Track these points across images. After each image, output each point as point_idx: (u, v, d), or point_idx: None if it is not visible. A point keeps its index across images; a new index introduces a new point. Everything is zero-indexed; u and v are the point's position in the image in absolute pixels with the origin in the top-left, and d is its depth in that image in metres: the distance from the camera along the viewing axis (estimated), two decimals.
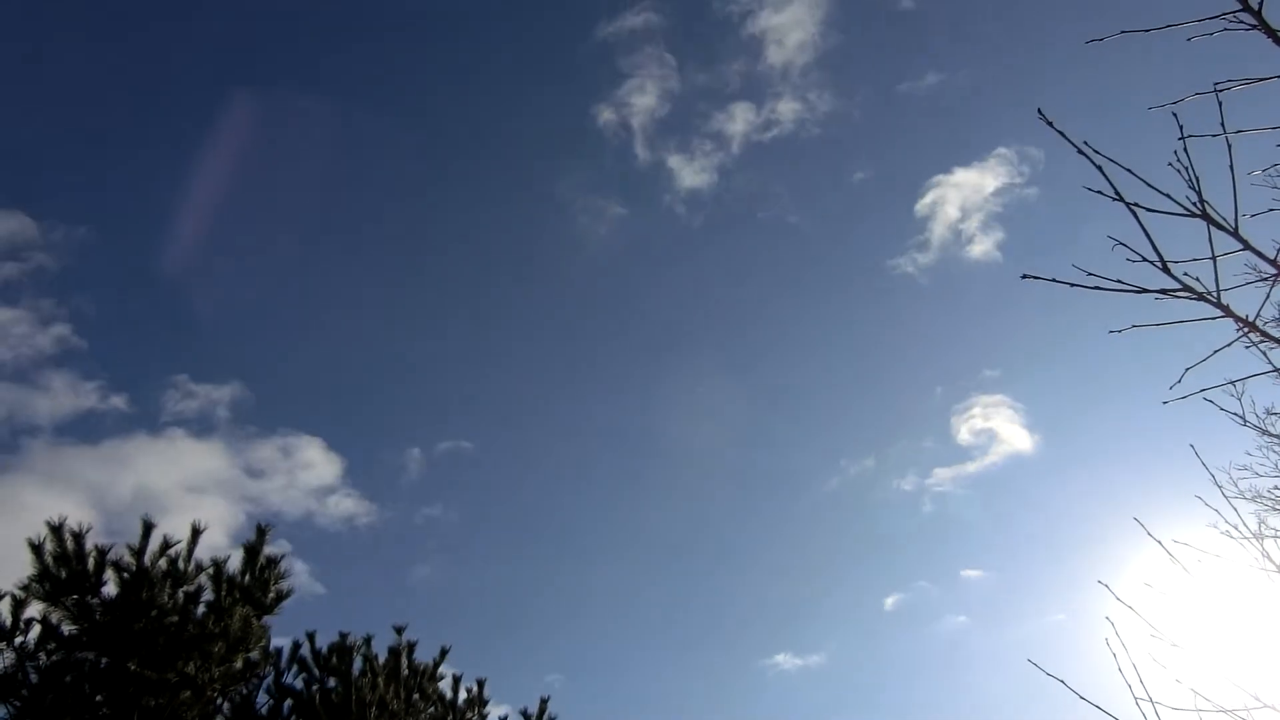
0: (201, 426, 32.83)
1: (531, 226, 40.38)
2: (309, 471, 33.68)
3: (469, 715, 12.48)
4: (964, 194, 34.62)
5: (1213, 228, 3.04)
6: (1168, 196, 3.00)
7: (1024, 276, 3.24)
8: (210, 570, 11.45)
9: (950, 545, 37.39)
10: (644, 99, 35.72)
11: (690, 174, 36.75)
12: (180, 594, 11.19)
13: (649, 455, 40.32)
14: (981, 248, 35.22)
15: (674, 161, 36.78)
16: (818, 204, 38.95)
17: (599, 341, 41.34)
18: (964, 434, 35.46)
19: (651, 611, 36.80)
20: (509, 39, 38.04)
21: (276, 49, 35.92)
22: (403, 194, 39.17)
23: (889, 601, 35.15)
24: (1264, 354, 3.46)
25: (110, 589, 10.93)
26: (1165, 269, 3.06)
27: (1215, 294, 3.07)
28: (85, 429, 31.81)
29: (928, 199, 35.82)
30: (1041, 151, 32.52)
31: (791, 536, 38.75)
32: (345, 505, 32.61)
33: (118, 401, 32.14)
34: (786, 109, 35.42)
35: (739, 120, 35.98)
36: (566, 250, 39.70)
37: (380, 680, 11.67)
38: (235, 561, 11.85)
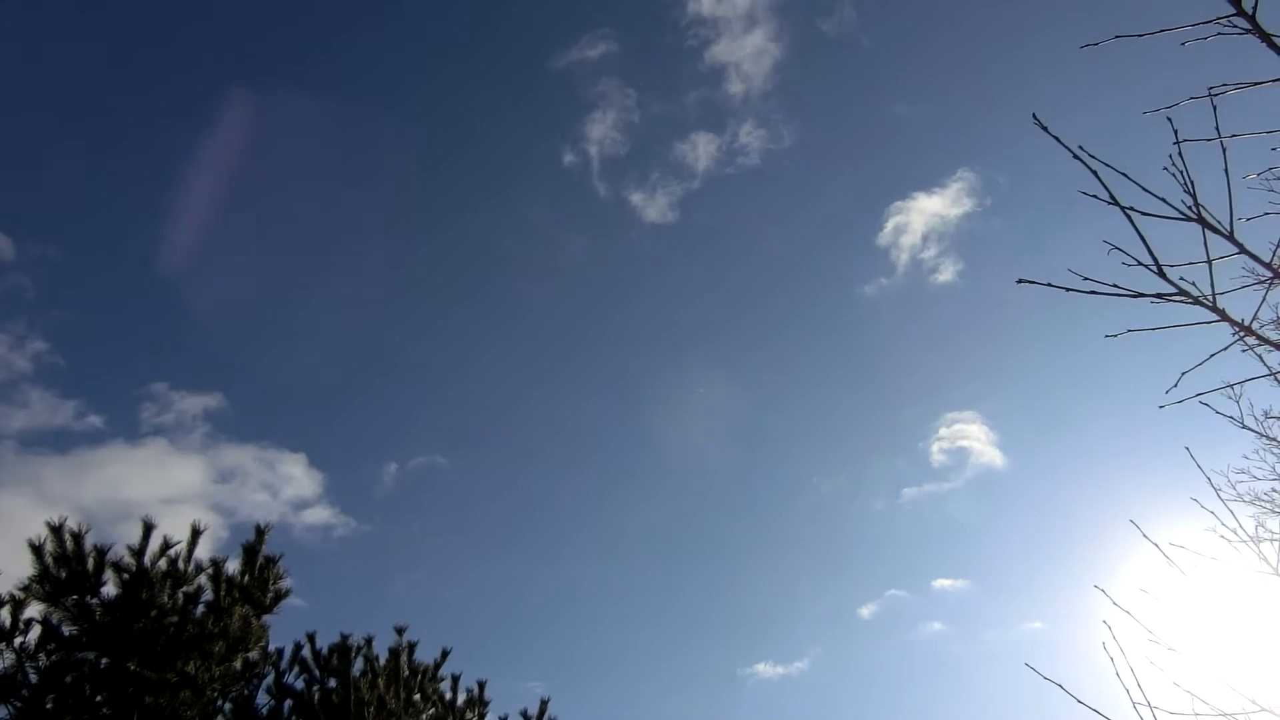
0: (180, 437, 32.54)
1: (503, 250, 40.35)
2: (287, 484, 33.48)
3: (469, 716, 12.48)
4: (928, 219, 34.88)
5: (1208, 231, 3.03)
6: (1163, 201, 2.99)
7: (1020, 281, 3.24)
8: (210, 570, 11.46)
9: (922, 557, 37.72)
10: (604, 131, 35.88)
11: (651, 205, 36.99)
12: (180, 594, 11.19)
13: (626, 470, 40.47)
14: (947, 273, 35.62)
15: (636, 195, 37.16)
16: (783, 233, 39.36)
17: (567, 365, 41.35)
18: (936, 451, 35.90)
19: (631, 621, 36.77)
20: (463, 73, 37.90)
21: (249, 61, 35.63)
22: (383, 208, 39.11)
23: (864, 611, 35.20)
24: (1260, 358, 3.45)
25: (110, 589, 10.93)
26: (1161, 273, 3.05)
27: (1211, 298, 3.06)
28: (62, 440, 31.51)
29: (892, 224, 36.06)
30: (1005, 177, 32.80)
31: (765, 550, 38.83)
32: (323, 518, 32.43)
33: (94, 412, 31.90)
34: (749, 138, 35.67)
35: (701, 150, 36.18)
36: (538, 272, 39.77)
37: (380, 681, 11.67)
38: (233, 562, 11.86)
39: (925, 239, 34.78)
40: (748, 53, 34.75)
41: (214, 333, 37.12)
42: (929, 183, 39.01)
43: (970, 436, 34.90)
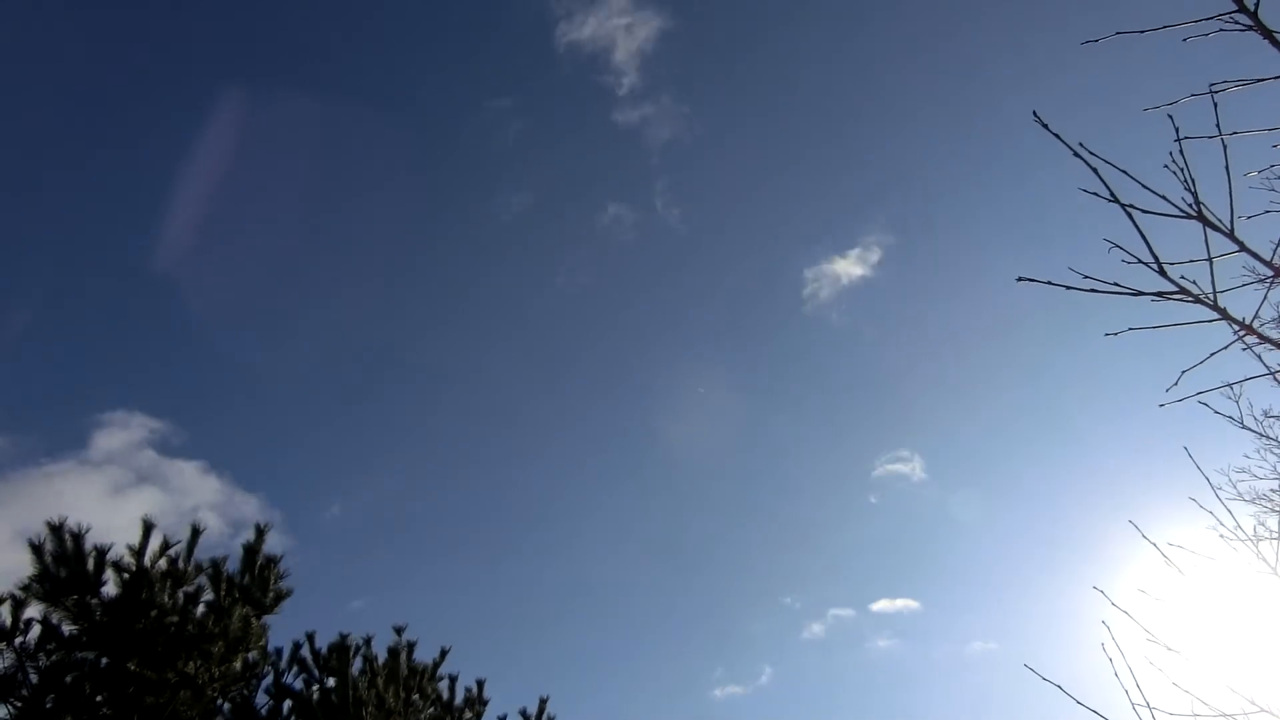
0: (131, 464, 31.94)
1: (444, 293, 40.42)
2: (240, 510, 32.86)
3: (467, 715, 12.46)
4: (842, 279, 35.67)
5: (1209, 229, 3.02)
6: (1164, 198, 2.98)
7: (1020, 279, 3.23)
8: (209, 570, 11.46)
9: (869, 577, 37.90)
10: (519, 198, 36.02)
11: (564, 278, 37.25)
12: (180, 594, 11.18)
13: (583, 495, 40.41)
14: (872, 326, 36.73)
15: (552, 258, 36.99)
16: (705, 298, 39.82)
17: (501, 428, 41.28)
18: (875, 490, 37.04)
19: (587, 646, 36.51)
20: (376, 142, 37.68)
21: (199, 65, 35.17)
22: (357, 216, 38.86)
23: (808, 631, 35.26)
24: (1259, 357, 3.43)
25: (110, 589, 10.93)
26: (1162, 271, 3.04)
27: (1212, 296, 3.05)
28: (9, 462, 30.68)
29: (809, 290, 36.57)
30: (898, 238, 33.13)
31: (706, 575, 38.80)
32: (278, 544, 31.81)
33: (43, 438, 31.26)
34: (665, 208, 36.35)
35: (616, 219, 36.57)
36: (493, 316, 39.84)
37: (379, 681, 11.65)
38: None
39: (841, 297, 35.59)
40: (662, 112, 34.97)
41: (171, 357, 36.64)
42: (842, 245, 39.42)
43: (906, 473, 35.91)
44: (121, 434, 31.72)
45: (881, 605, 34.57)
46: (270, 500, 34.37)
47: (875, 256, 35.76)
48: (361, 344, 38.95)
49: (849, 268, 35.38)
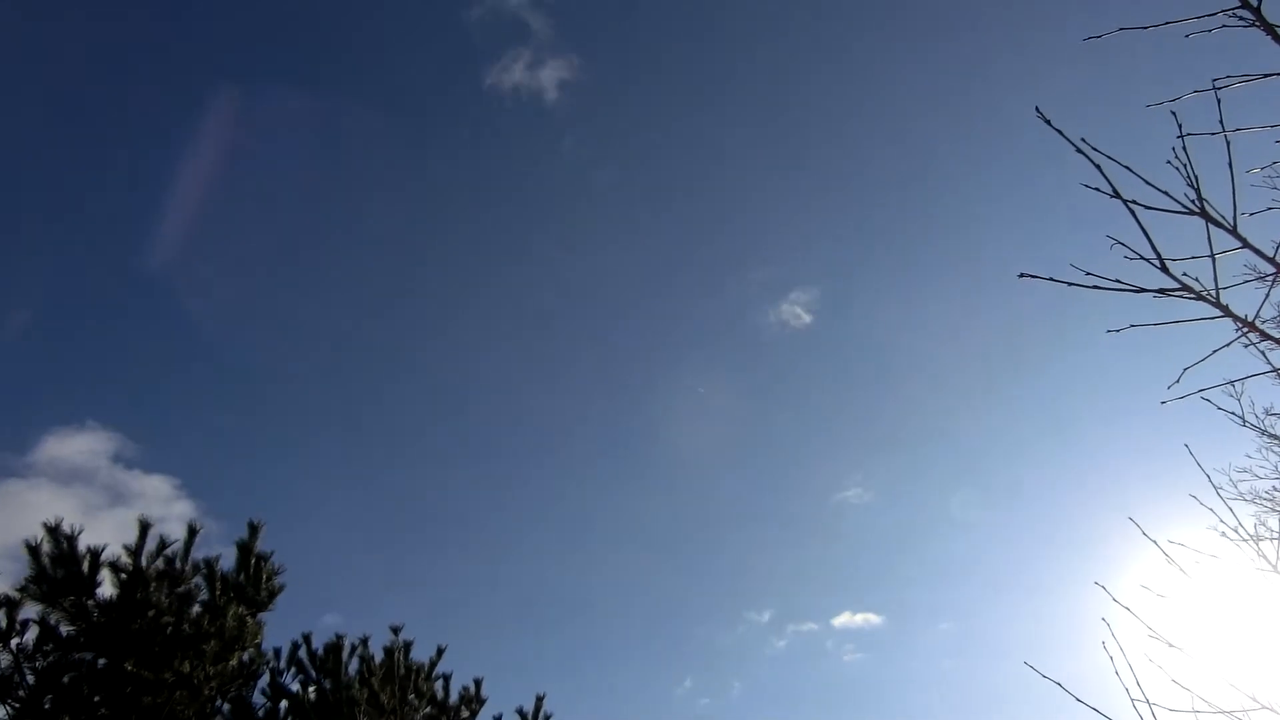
0: (92, 478, 31.38)
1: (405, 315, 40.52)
2: (208, 530, 32.28)
3: (464, 714, 12.45)
4: (794, 307, 35.92)
5: (1211, 226, 3.01)
6: (1166, 194, 2.97)
7: (1021, 275, 3.22)
8: (204, 570, 11.45)
9: (837, 588, 38.06)
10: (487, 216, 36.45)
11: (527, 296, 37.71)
12: (176, 594, 11.18)
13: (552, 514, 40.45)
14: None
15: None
16: (680, 315, 39.92)
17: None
18: (835, 511, 37.31)
19: (552, 657, 36.37)
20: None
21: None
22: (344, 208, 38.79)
23: (772, 645, 35.36)
24: (1263, 354, 3.43)
25: (107, 589, 10.92)
26: (1164, 268, 3.03)
27: (1214, 293, 3.05)
28: None
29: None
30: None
31: (661, 588, 38.83)
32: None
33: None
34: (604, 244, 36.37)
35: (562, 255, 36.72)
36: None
37: (375, 681, 11.65)
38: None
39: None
40: (596, 152, 35.29)
41: (139, 369, 36.32)
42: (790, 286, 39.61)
43: (866, 501, 36.94)
44: (86, 447, 31.34)
45: (843, 620, 34.72)
46: (252, 514, 33.91)
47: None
48: (345, 350, 38.82)
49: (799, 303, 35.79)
